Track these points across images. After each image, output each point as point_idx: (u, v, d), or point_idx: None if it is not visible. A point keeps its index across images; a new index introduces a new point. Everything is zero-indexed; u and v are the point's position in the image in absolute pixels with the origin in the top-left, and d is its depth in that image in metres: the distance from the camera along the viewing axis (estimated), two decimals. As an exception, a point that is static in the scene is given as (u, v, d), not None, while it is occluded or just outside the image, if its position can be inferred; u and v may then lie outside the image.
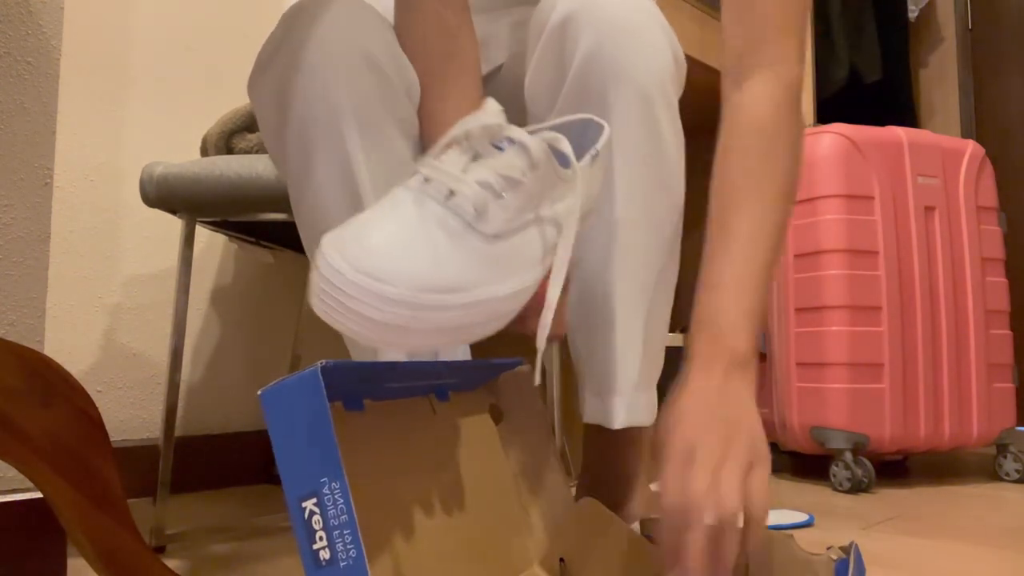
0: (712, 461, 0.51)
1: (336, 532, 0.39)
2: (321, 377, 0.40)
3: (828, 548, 0.58)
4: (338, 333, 1.72)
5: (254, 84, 0.74)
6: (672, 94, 0.76)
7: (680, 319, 2.16)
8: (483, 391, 0.66)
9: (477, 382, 0.65)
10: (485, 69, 0.86)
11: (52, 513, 0.78)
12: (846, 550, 0.58)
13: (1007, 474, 1.54)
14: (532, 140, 0.53)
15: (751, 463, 0.52)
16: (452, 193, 0.50)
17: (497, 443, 0.64)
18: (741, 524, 0.49)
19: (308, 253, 0.74)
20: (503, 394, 0.67)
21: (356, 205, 0.68)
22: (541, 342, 0.55)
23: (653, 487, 1.30)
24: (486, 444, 0.62)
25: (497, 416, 0.66)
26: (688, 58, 1.56)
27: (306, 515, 0.39)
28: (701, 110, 1.44)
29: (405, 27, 0.75)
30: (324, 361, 0.40)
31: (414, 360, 0.67)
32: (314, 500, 0.39)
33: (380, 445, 0.50)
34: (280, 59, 0.70)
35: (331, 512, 0.39)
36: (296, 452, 0.40)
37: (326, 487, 0.39)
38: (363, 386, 0.49)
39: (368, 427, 0.50)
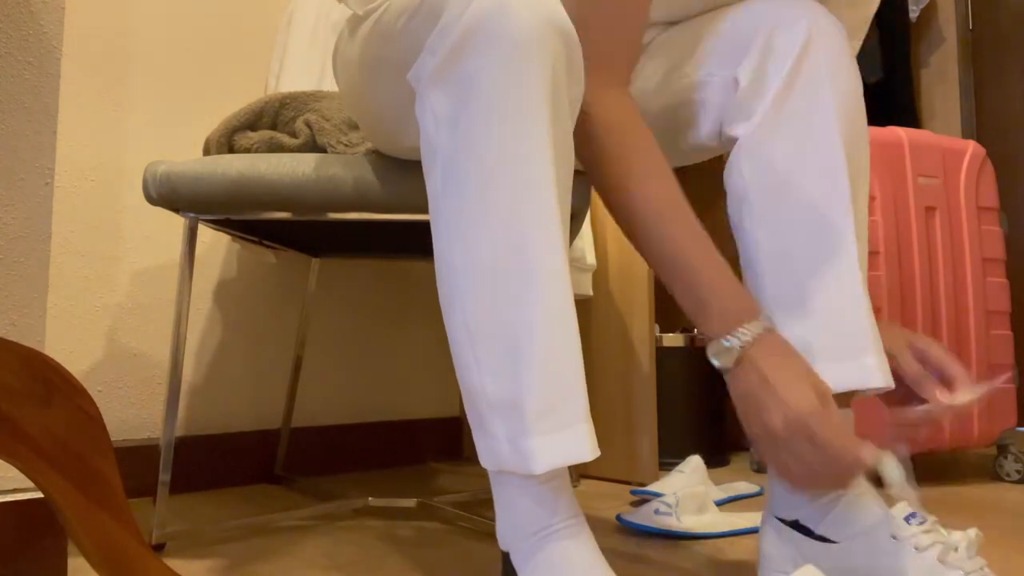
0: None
1: None
2: None
3: None
4: (339, 335, 1.70)
5: (423, 64, 0.65)
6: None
7: (677, 319, 2.16)
8: None
9: None
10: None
11: (52, 513, 0.78)
12: None
13: (1008, 475, 1.54)
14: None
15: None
16: None
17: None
18: None
19: (435, 194, 0.64)
20: None
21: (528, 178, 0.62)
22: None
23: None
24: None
25: None
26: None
27: None
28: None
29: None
30: None
31: None
32: None
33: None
34: (457, 33, 0.62)
35: None
36: None
37: None
38: None
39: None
